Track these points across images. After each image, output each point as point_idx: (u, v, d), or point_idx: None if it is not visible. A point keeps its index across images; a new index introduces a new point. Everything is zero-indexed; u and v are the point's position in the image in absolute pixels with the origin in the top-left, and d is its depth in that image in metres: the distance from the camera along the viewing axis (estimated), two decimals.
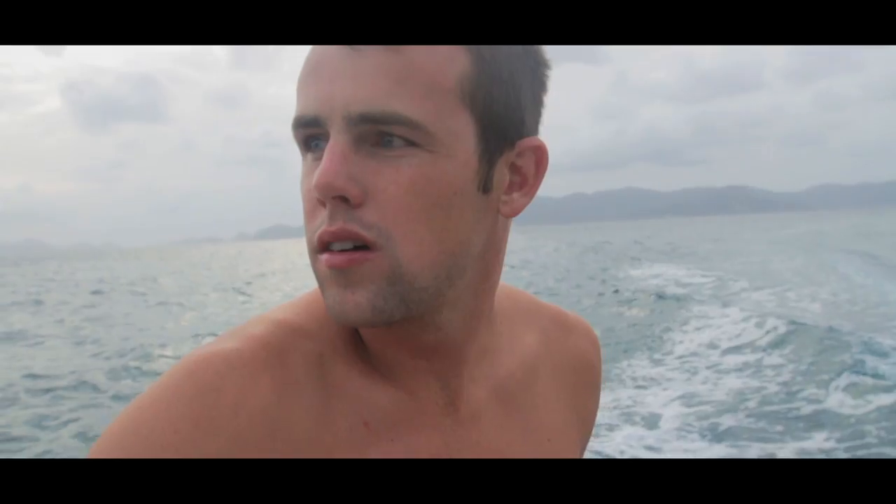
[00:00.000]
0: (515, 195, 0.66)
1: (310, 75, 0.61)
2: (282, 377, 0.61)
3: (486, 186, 0.62)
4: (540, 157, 0.66)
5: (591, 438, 0.91)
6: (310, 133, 0.61)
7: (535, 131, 0.66)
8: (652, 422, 6.60)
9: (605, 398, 6.20)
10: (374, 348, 0.67)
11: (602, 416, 6.15)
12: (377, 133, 0.58)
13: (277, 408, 0.59)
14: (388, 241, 0.58)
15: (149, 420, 0.56)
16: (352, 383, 0.65)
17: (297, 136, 0.62)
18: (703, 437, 6.12)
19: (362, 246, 0.58)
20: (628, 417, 6.75)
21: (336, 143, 0.58)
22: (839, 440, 5.75)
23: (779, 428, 6.14)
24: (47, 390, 8.97)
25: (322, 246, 0.60)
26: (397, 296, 0.59)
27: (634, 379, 8.31)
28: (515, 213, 0.66)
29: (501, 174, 0.64)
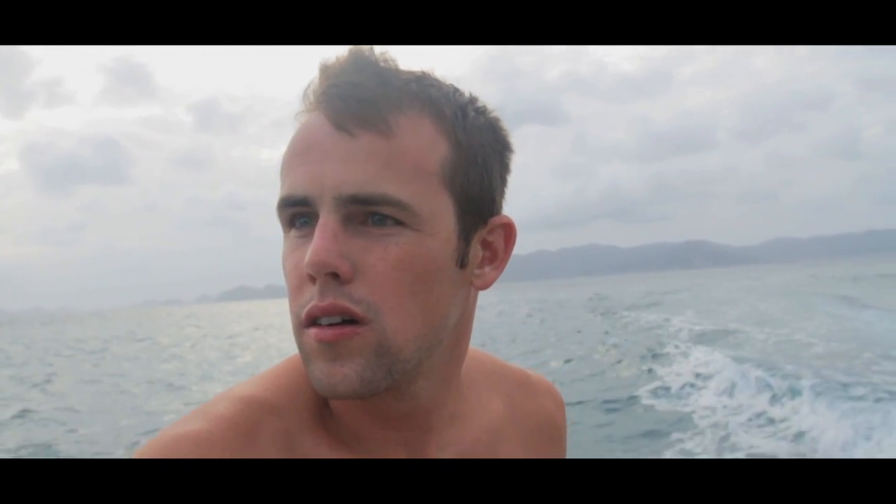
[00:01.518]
0: (487, 269, 0.70)
1: (297, 156, 0.63)
2: (250, 457, 0.62)
3: (462, 262, 0.67)
4: (508, 233, 0.71)
5: None
6: (296, 212, 0.64)
7: (501, 209, 0.71)
8: None
9: None
10: (345, 420, 0.69)
11: None
12: (366, 213, 0.61)
13: None
14: (377, 315, 0.61)
15: None
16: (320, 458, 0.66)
17: (282, 215, 0.65)
18: None
19: (350, 320, 0.61)
20: None
21: (327, 221, 0.60)
22: None
23: None
24: None
25: (310, 320, 0.62)
26: (384, 368, 0.62)
27: None
28: (487, 285, 0.70)
29: (475, 250, 0.68)
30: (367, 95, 0.62)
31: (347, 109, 0.62)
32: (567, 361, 14.20)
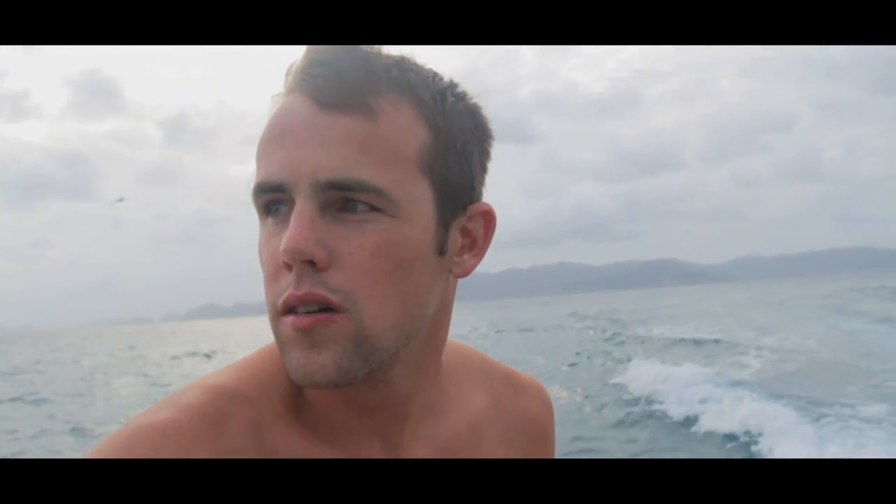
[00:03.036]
0: (466, 257, 0.70)
1: (273, 141, 0.62)
2: (219, 447, 0.61)
3: (441, 249, 0.66)
4: (488, 220, 0.70)
5: None
6: (272, 198, 0.63)
7: (481, 197, 0.71)
8: None
9: None
10: (320, 409, 0.68)
11: None
12: (342, 199, 0.60)
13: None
14: (354, 304, 0.60)
15: None
16: (290, 448, 0.65)
17: (257, 201, 0.64)
18: None
19: (327, 308, 0.60)
20: None
21: (303, 208, 0.59)
22: None
23: None
24: None
25: (286, 309, 0.61)
26: (361, 356, 0.61)
27: None
28: (466, 273, 0.70)
29: (454, 237, 0.68)
30: (348, 77, 0.61)
31: (328, 88, 0.61)
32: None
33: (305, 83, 0.62)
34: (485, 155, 0.71)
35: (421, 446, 0.72)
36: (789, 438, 7.21)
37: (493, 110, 0.70)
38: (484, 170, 0.71)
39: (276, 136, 0.62)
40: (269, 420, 0.65)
